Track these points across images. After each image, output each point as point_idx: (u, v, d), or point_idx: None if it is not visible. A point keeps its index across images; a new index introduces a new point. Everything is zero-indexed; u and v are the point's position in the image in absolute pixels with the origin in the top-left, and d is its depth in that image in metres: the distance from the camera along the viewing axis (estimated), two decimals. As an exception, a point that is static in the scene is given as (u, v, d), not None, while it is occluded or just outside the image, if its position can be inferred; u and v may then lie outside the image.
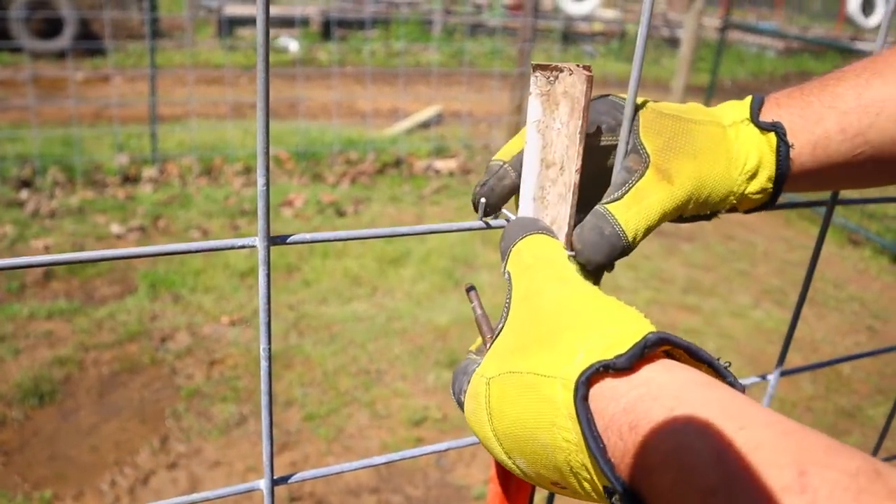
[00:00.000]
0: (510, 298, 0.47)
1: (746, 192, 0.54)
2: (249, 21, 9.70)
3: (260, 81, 0.39)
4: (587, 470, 0.35)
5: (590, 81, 0.46)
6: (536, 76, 0.49)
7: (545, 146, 0.50)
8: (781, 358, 0.76)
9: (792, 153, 0.54)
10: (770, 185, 0.54)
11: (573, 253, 0.50)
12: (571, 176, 0.48)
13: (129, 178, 4.68)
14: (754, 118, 0.54)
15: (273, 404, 2.05)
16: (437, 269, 3.92)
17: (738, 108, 0.56)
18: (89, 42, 8.05)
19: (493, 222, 0.53)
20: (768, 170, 0.54)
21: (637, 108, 0.52)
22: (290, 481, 0.53)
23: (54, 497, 2.24)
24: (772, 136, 0.53)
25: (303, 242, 0.45)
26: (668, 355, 0.37)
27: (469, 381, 0.47)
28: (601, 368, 0.35)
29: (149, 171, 4.72)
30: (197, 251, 0.44)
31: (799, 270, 4.41)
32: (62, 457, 2.42)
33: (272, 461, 0.51)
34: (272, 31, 9.86)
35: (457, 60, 9.65)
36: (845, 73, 0.55)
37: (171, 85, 7.25)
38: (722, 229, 4.98)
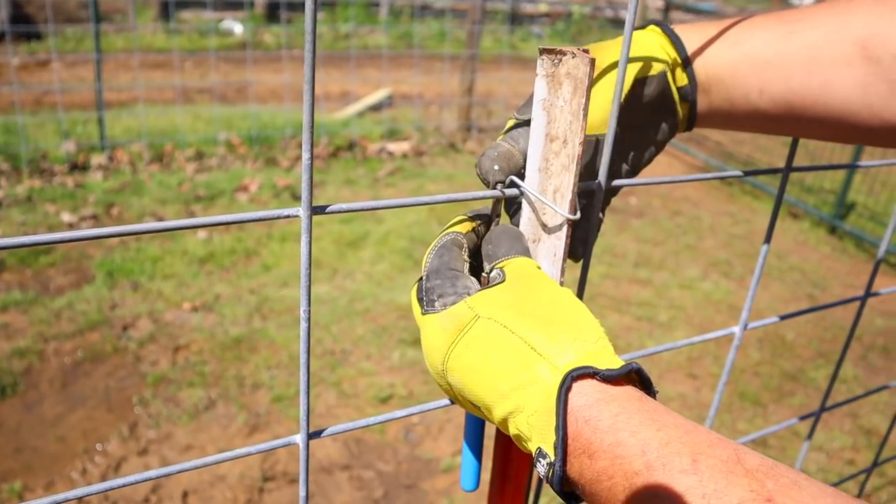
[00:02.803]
0: (503, 276, 0.54)
1: (671, 59, 0.61)
2: (192, 4, 9.48)
3: (307, 63, 0.43)
4: (528, 428, 0.46)
5: (592, 63, 0.52)
6: (542, 59, 0.54)
7: (549, 122, 0.55)
8: (747, 309, 0.84)
9: (714, 57, 0.61)
10: (676, 55, 0.62)
11: (573, 217, 0.56)
12: (575, 148, 0.54)
13: (78, 166, 4.58)
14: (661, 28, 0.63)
15: (241, 387, 2.10)
16: (395, 249, 3.97)
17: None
18: (24, 25, 7.77)
19: (507, 191, 0.58)
20: (668, 48, 0.62)
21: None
22: (322, 435, 0.58)
23: (24, 488, 2.23)
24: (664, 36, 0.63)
25: (341, 212, 0.50)
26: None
27: (454, 301, 0.52)
28: (592, 373, 0.44)
29: (98, 159, 4.63)
30: (246, 221, 0.48)
31: (743, 243, 4.59)
32: (28, 448, 2.40)
33: (308, 417, 0.56)
34: (215, 15, 9.68)
35: (405, 43, 9.63)
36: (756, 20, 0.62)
37: (114, 70, 7.08)
38: (669, 205, 5.14)
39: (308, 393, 0.55)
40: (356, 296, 3.47)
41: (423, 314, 0.54)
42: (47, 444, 2.41)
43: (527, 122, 0.59)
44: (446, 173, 5.27)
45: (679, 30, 0.63)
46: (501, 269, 0.55)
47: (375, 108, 6.63)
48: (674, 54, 0.62)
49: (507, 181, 0.58)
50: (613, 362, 0.46)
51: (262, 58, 7.93)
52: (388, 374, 2.91)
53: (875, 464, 1.36)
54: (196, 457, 2.42)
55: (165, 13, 9.26)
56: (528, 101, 0.59)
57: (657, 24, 0.64)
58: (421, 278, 0.57)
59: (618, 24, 11.45)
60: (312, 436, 0.58)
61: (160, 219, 4.03)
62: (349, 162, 5.31)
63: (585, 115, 0.53)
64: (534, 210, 0.58)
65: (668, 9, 7.97)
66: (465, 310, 0.50)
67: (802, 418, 0.98)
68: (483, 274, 0.57)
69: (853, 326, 1.11)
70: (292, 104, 6.15)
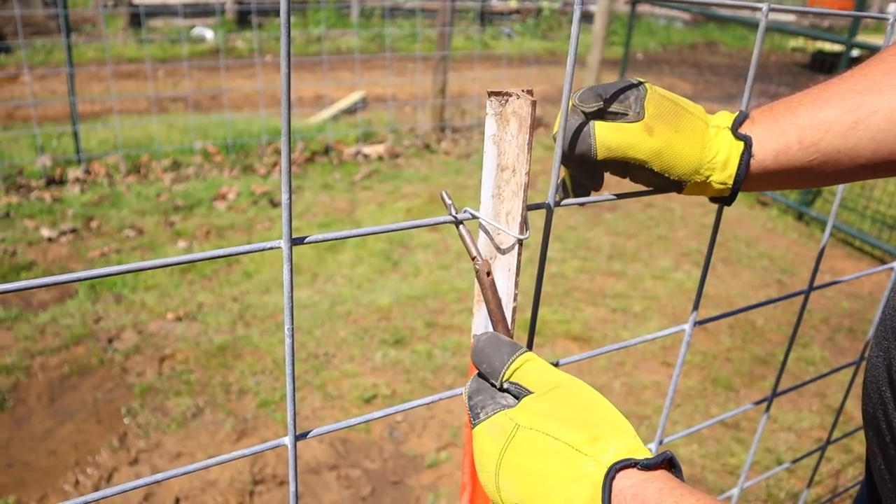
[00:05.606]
0: (528, 388, 0.60)
1: (712, 178, 0.71)
2: (162, 12, 9.46)
3: (283, 113, 0.50)
4: None
5: (533, 104, 0.59)
6: (491, 100, 0.62)
7: (500, 154, 0.63)
8: (695, 307, 0.92)
9: (758, 157, 0.70)
10: (730, 182, 0.71)
11: (523, 237, 0.64)
12: (522, 177, 0.62)
13: (55, 180, 4.60)
14: (734, 129, 0.70)
15: (228, 393, 2.19)
16: (374, 251, 4.03)
17: (726, 118, 0.72)
18: (-8, 40, 7.72)
19: (459, 215, 0.65)
20: (731, 168, 0.70)
21: (643, 84, 0.70)
22: (309, 436, 0.65)
23: (18, 503, 2.27)
24: (741, 144, 0.70)
25: (318, 241, 0.57)
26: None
27: (495, 411, 0.60)
28: (633, 464, 0.52)
29: (74, 172, 4.64)
30: (232, 255, 0.55)
31: (714, 232, 4.71)
32: (20, 463, 2.44)
33: (295, 420, 0.63)
34: (186, 22, 9.65)
35: (377, 45, 9.67)
36: (805, 96, 0.72)
37: (86, 81, 7.06)
38: (642, 198, 5.24)
39: (294, 398, 0.62)
40: (337, 299, 3.54)
41: (473, 426, 0.62)
42: (39, 459, 2.46)
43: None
44: (422, 174, 5.34)
45: (754, 128, 0.71)
46: (512, 381, 0.61)
47: (350, 111, 6.68)
48: (730, 170, 0.70)
49: (464, 211, 0.65)
50: (648, 454, 0.54)
51: (235, 64, 7.94)
52: (371, 374, 2.98)
53: (828, 441, 1.45)
54: (186, 464, 2.47)
55: (135, 22, 9.24)
56: (591, 91, 0.69)
57: (741, 119, 0.71)
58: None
59: (587, 18, 11.56)
60: (299, 437, 0.65)
61: (140, 230, 4.06)
62: (325, 166, 5.37)
63: (530, 147, 0.61)
64: (489, 233, 0.66)
65: (635, 1, 8.08)
66: (507, 420, 0.58)
67: (732, 413, 1.06)
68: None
69: (798, 320, 1.20)
70: (267, 110, 6.19)
